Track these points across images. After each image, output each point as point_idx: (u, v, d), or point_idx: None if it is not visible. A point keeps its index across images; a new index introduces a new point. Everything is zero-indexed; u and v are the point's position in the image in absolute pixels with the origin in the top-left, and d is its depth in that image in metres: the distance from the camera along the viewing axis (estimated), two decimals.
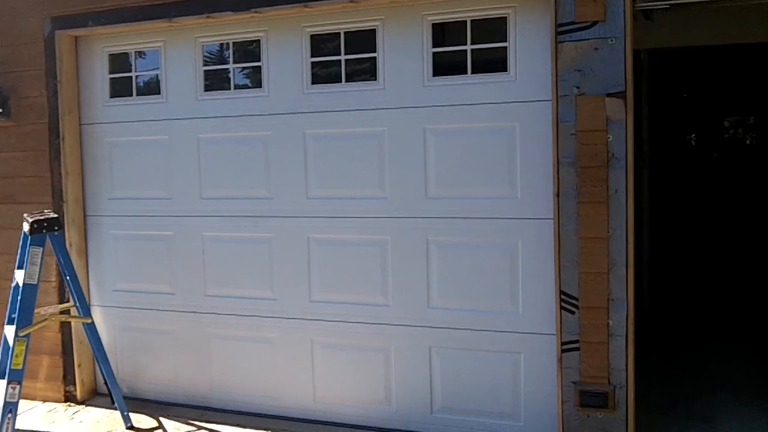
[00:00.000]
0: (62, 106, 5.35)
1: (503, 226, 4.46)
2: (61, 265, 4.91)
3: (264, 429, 4.91)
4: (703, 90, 11.76)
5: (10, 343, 4.53)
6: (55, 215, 4.79)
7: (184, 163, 5.24)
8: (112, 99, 5.44)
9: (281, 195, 4.98)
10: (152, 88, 5.35)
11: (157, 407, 5.34)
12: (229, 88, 5.12)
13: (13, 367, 4.51)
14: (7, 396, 4.48)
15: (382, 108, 4.68)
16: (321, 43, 4.83)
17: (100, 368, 5.16)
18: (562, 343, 4.19)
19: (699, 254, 10.65)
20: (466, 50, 4.48)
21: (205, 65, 5.17)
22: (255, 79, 5.06)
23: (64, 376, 5.53)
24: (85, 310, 4.98)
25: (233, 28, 5.00)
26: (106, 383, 5.12)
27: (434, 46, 4.55)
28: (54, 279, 5.41)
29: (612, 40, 3.99)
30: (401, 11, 4.58)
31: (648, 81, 7.20)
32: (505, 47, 4.38)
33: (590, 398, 4.13)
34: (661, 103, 8.85)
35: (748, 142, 13.79)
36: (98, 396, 5.60)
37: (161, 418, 5.17)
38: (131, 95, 5.39)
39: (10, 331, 4.55)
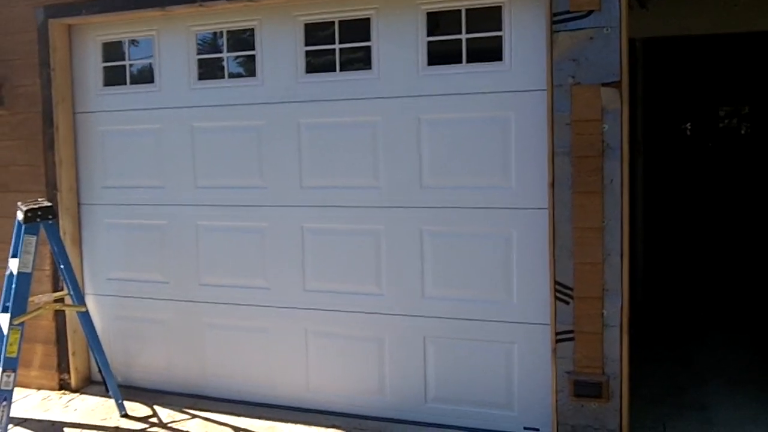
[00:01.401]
0: (55, 94, 5.32)
1: (497, 215, 4.45)
2: (55, 253, 4.91)
3: (257, 417, 4.92)
4: (698, 79, 11.75)
5: (5, 332, 4.54)
6: (49, 204, 4.79)
7: (178, 152, 5.22)
8: (105, 87, 5.42)
9: (275, 184, 4.97)
10: (146, 76, 5.32)
11: (151, 395, 5.34)
12: (223, 77, 5.10)
13: (7, 356, 4.51)
14: (2, 384, 4.49)
15: (377, 97, 4.66)
16: (315, 32, 4.81)
17: (94, 357, 5.17)
18: (557, 333, 4.20)
19: (694, 244, 10.67)
20: (460, 39, 4.46)
21: (198, 54, 5.14)
22: (249, 67, 5.04)
23: (59, 365, 5.53)
24: (79, 298, 4.98)
25: (227, 16, 4.98)
26: (100, 371, 5.14)
27: (429, 36, 4.53)
28: (48, 267, 5.39)
29: (607, 30, 3.98)
30: (396, 0, 4.56)
31: (643, 70, 7.19)
32: (500, 36, 4.36)
33: (584, 388, 4.14)
34: (656, 92, 8.83)
35: (743, 131, 13.81)
36: (93, 384, 5.60)
37: (155, 406, 5.18)
38: (125, 84, 5.37)
39: (4, 319, 4.55)
